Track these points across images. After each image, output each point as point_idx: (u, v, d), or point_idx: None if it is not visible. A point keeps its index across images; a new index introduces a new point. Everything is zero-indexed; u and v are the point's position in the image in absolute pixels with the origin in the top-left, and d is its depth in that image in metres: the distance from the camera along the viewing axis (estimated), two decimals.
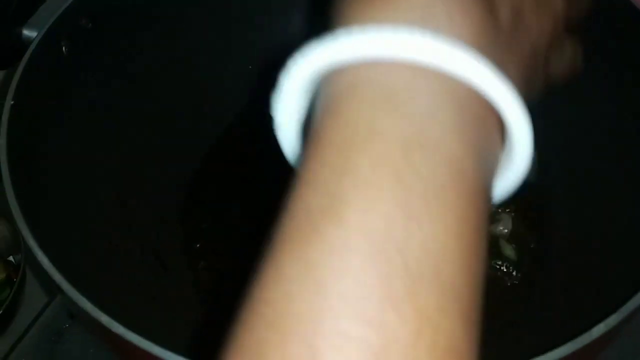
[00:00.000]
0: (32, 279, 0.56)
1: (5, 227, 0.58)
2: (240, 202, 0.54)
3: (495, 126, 0.21)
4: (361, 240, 0.18)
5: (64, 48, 0.48)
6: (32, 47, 0.45)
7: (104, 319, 0.32)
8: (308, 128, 0.22)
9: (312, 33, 0.21)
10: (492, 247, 0.50)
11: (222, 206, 0.54)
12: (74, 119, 0.48)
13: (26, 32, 0.49)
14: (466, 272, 0.19)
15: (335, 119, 0.20)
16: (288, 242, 0.19)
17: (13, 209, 0.37)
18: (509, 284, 0.49)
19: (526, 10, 0.25)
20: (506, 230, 0.51)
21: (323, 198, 0.19)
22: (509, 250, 0.50)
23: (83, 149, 0.49)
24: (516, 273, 0.49)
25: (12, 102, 0.42)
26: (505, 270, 0.50)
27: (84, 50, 0.49)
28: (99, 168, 0.50)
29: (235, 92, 0.60)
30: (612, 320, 0.31)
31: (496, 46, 0.22)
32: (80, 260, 0.43)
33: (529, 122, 0.21)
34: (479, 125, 0.21)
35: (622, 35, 0.46)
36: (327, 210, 0.18)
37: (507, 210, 0.52)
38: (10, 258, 0.58)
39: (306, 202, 0.19)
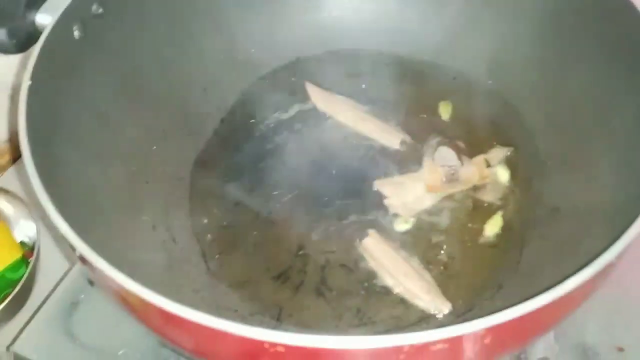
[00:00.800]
0: (47, 254, 0.58)
1: (18, 209, 0.60)
2: (244, 179, 0.57)
3: None
4: None
5: (76, 32, 0.50)
6: (46, 32, 0.48)
7: (121, 277, 0.35)
8: None
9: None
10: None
11: (225, 185, 0.57)
12: (86, 99, 0.51)
13: (40, 18, 0.51)
14: None
15: None
16: None
17: (34, 181, 0.40)
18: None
19: None
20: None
21: None
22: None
23: (96, 128, 0.51)
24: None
25: (29, 83, 0.44)
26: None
27: (95, 34, 0.52)
28: (111, 146, 0.52)
29: (237, 76, 0.63)
30: (586, 273, 0.33)
31: None
32: (97, 229, 0.45)
33: None
34: None
35: None
36: None
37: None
38: (26, 239, 0.60)
39: None
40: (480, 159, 0.55)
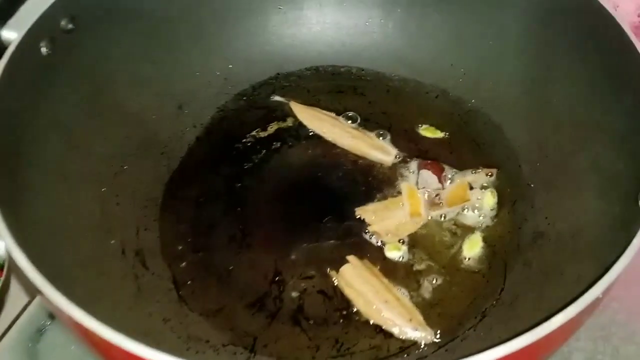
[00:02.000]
0: (14, 279, 0.56)
1: None
2: (219, 201, 0.55)
3: None
4: None
5: (43, 48, 0.48)
6: (12, 48, 0.46)
7: (83, 317, 0.33)
8: None
9: None
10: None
11: (200, 206, 0.55)
12: (53, 118, 0.49)
13: (5, 34, 0.49)
14: None
15: None
16: None
17: None
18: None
19: None
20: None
21: None
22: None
23: (62, 149, 0.49)
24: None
25: None
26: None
27: (65, 50, 0.50)
28: (78, 168, 0.50)
29: (214, 92, 0.61)
30: (571, 311, 0.32)
31: None
32: (60, 260, 0.43)
33: None
34: None
35: None
36: None
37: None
38: None
39: None
40: (463, 182, 0.54)
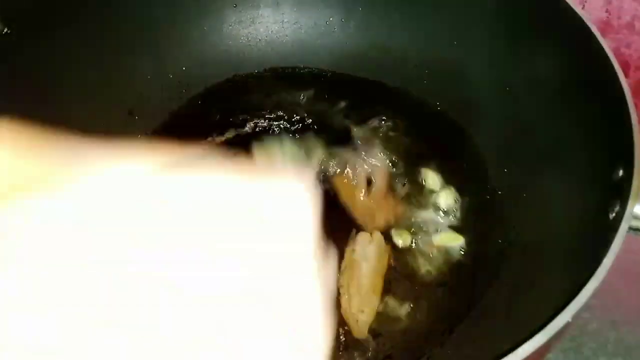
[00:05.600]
0: None
1: None
2: None
3: None
4: None
5: None
6: None
7: None
8: None
9: None
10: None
11: None
12: None
13: None
14: None
15: None
16: None
17: None
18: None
19: None
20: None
21: None
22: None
23: None
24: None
25: None
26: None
27: (1, 55, 0.47)
28: None
29: (167, 96, 0.58)
30: (539, 339, 0.30)
31: None
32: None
33: None
34: None
35: None
36: None
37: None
38: None
39: None
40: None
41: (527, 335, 0.30)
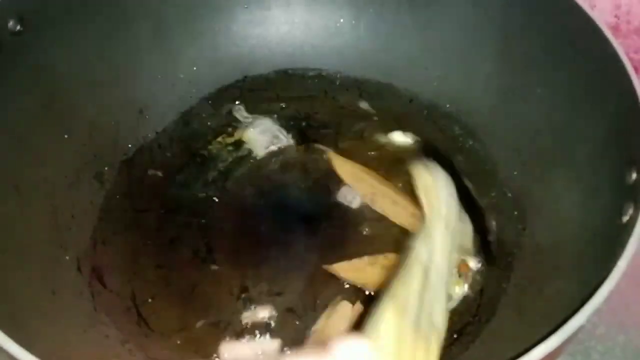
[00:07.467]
0: None
1: None
2: (182, 212, 0.52)
3: None
4: None
5: None
6: None
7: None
8: None
9: None
10: None
11: (162, 218, 0.52)
12: (2, 123, 0.46)
13: None
14: None
15: None
16: None
17: None
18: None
19: None
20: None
21: None
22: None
23: (14, 156, 0.46)
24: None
25: None
26: None
27: (13, 53, 0.47)
28: (29, 177, 0.47)
29: (177, 96, 0.58)
30: (553, 342, 0.30)
31: None
32: (5, 278, 0.40)
33: None
34: None
35: None
36: None
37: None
38: None
39: None
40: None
41: (541, 338, 0.30)
